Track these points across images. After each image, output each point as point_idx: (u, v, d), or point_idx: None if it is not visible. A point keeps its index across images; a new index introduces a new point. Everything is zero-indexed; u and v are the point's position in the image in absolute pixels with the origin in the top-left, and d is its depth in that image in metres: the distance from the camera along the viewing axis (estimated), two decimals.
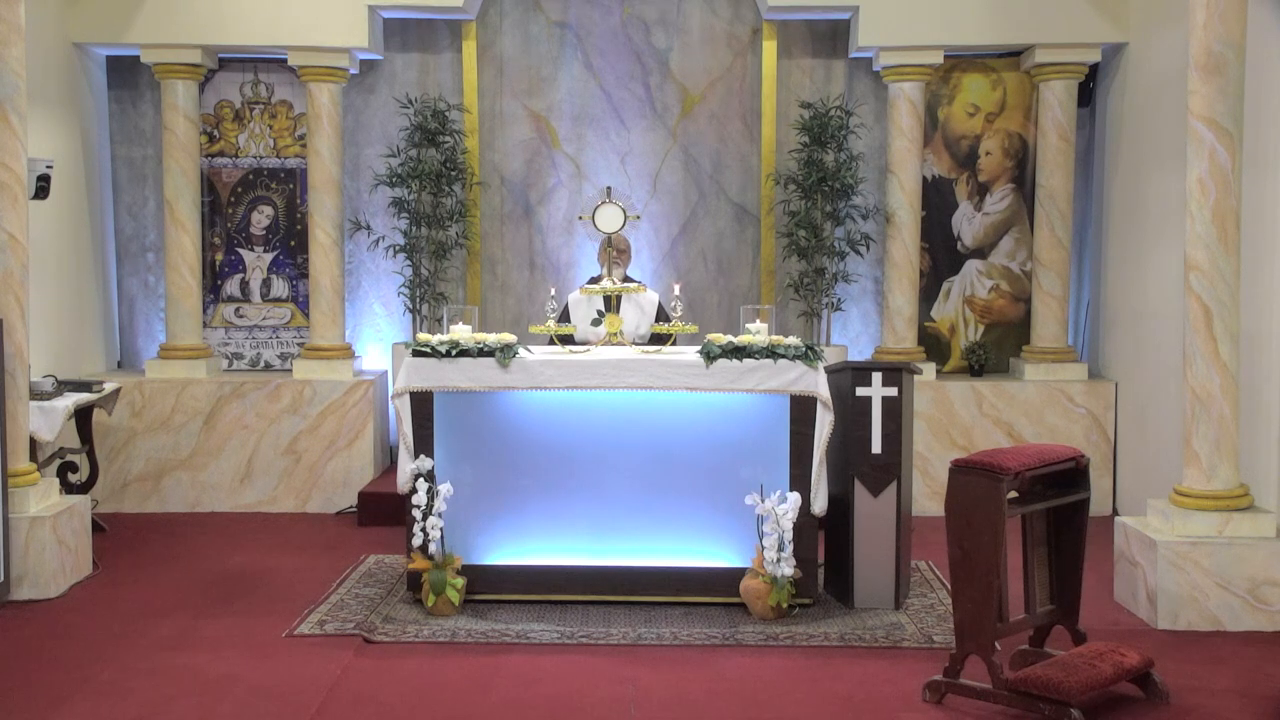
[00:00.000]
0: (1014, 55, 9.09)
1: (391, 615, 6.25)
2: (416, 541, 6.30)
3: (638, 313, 7.39)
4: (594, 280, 7.40)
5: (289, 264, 9.34)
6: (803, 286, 9.00)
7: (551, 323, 6.65)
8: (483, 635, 5.94)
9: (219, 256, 9.30)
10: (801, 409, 6.30)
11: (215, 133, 9.28)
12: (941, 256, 9.27)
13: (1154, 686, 5.17)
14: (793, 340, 6.36)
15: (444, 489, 6.26)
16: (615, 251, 7.24)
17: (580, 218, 7.89)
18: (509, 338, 6.45)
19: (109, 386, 8.00)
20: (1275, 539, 6.16)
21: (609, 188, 7.43)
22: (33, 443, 7.04)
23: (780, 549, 6.13)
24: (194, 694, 5.20)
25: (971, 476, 5.00)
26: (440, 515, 6.25)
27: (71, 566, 6.79)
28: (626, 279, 7.42)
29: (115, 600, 6.55)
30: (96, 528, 7.57)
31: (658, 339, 7.17)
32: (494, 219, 9.52)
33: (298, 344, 9.33)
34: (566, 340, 6.78)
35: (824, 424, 6.25)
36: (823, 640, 5.89)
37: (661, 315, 7.54)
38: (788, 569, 6.13)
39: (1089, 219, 9.25)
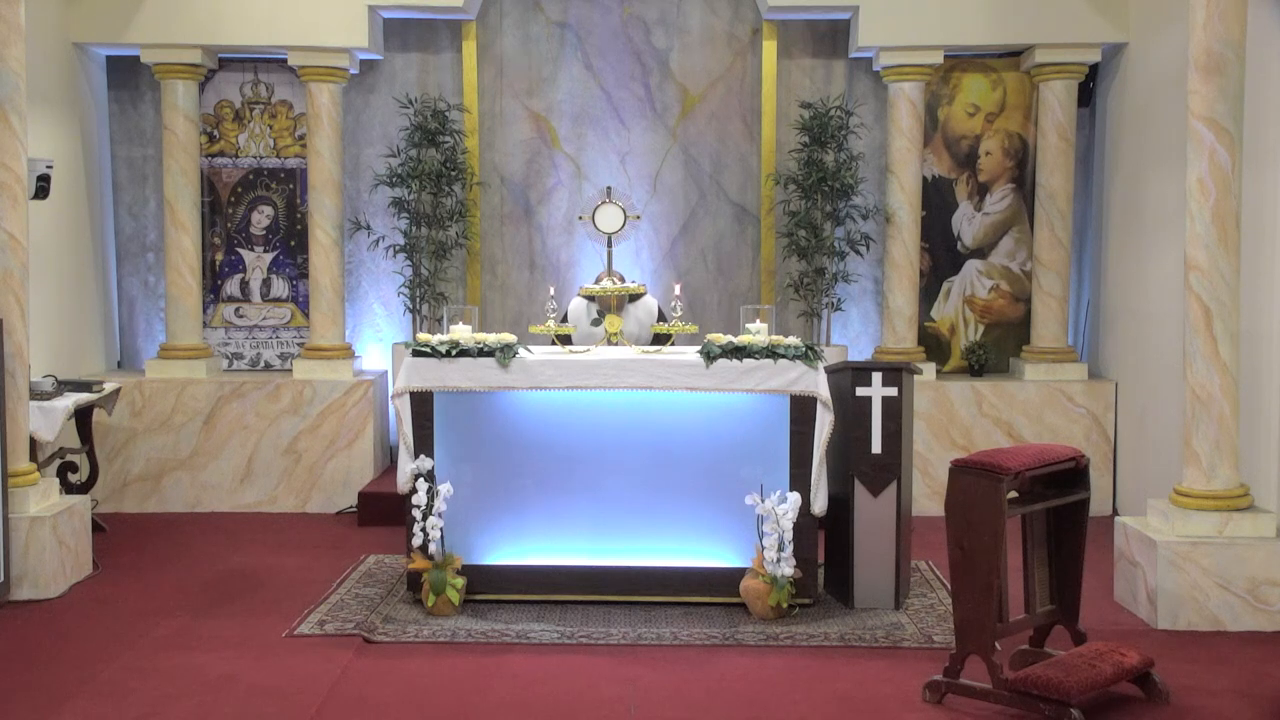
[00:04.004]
0: (1014, 55, 9.09)
1: (391, 615, 6.25)
2: (416, 541, 6.30)
3: (636, 326, 7.38)
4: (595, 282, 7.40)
5: (289, 264, 9.34)
6: (803, 286, 9.00)
7: (551, 323, 6.65)
8: (483, 635, 5.94)
9: (219, 256, 9.30)
10: (801, 409, 6.30)
11: (215, 133, 9.28)
12: (941, 256, 9.27)
13: (1154, 686, 5.17)
14: (793, 340, 6.36)
15: (444, 489, 6.26)
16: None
17: (580, 218, 7.89)
18: (509, 338, 6.45)
19: (109, 386, 8.00)
20: (1275, 539, 6.16)
21: (609, 188, 7.44)
22: (33, 443, 7.04)
23: (780, 549, 6.13)
24: (194, 694, 5.20)
25: (971, 476, 5.00)
26: (440, 515, 6.25)
27: (71, 566, 6.78)
28: (632, 298, 7.38)
29: (115, 600, 6.55)
30: (96, 528, 7.57)
31: (657, 339, 7.17)
32: (494, 219, 9.52)
33: (298, 344, 9.33)
34: (567, 340, 6.78)
35: (824, 424, 6.25)
36: (823, 640, 5.89)
37: (660, 319, 7.54)
38: (788, 569, 6.13)
39: (1089, 219, 9.25)
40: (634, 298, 7.39)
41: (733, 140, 9.45)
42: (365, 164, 9.40)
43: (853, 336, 9.47)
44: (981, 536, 4.95)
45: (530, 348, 6.51)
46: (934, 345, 9.24)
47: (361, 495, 8.50)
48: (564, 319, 7.46)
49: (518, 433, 6.48)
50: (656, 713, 5.04)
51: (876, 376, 6.38)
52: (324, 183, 8.90)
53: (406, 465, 6.34)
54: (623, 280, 7.40)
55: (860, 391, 6.37)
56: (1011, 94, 9.15)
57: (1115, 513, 8.51)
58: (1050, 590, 5.44)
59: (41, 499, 6.71)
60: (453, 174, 9.03)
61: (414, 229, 9.04)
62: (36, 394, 7.17)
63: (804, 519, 6.25)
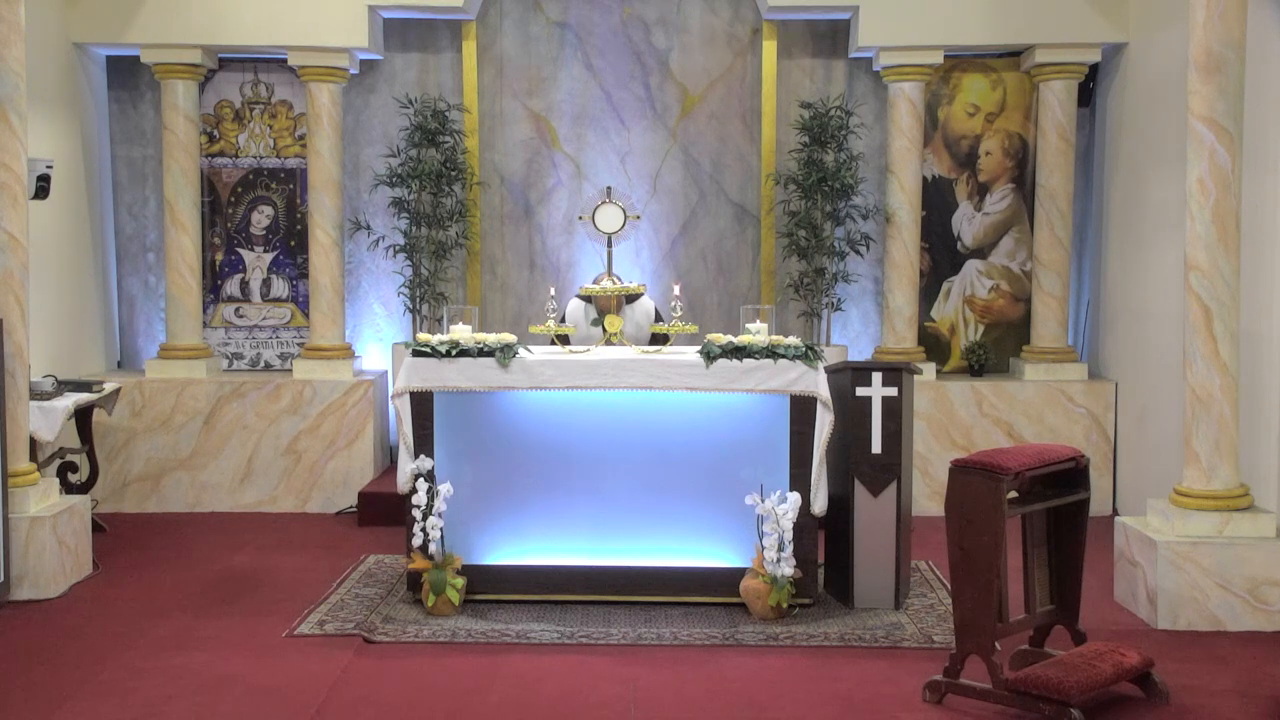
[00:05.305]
0: (1014, 55, 9.09)
1: (391, 615, 6.25)
2: (416, 541, 6.30)
3: (634, 328, 7.38)
4: (595, 281, 7.39)
5: (289, 264, 9.34)
6: (803, 286, 9.00)
7: (551, 323, 6.65)
8: (483, 635, 5.94)
9: (219, 256, 9.31)
10: (801, 409, 6.30)
11: (215, 133, 9.28)
12: (941, 256, 9.27)
13: (1154, 686, 5.17)
14: (793, 340, 6.36)
15: (444, 489, 6.26)
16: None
17: (580, 218, 7.89)
18: (509, 338, 6.45)
19: (109, 386, 8.00)
20: (1275, 539, 6.16)
21: (609, 188, 7.44)
22: (33, 443, 7.04)
23: (780, 549, 6.13)
24: (194, 694, 5.20)
25: (971, 476, 5.00)
26: (440, 515, 6.25)
27: (71, 566, 6.78)
28: (630, 298, 7.38)
29: (115, 600, 6.55)
30: (96, 528, 7.57)
31: (656, 339, 7.17)
32: (494, 219, 9.52)
33: (298, 344, 9.33)
34: (566, 340, 6.78)
35: (824, 424, 6.25)
36: (823, 640, 5.89)
37: (657, 320, 7.53)
38: (788, 569, 6.13)
39: (1089, 219, 9.25)
40: (631, 299, 7.39)
41: (733, 140, 9.45)
42: (365, 164, 9.40)
43: (853, 336, 9.47)
44: (981, 536, 4.95)
45: (530, 348, 6.52)
46: (934, 345, 9.24)
47: (361, 495, 8.50)
48: (562, 320, 7.46)
49: (518, 433, 6.48)
50: (656, 713, 5.04)
51: (876, 376, 6.38)
52: (324, 183, 8.90)
53: (406, 465, 6.34)
54: (620, 281, 7.42)
55: (860, 391, 6.37)
56: (1011, 94, 9.15)
57: (1115, 513, 8.51)
58: (1050, 590, 5.44)
59: (41, 499, 6.71)
60: (453, 174, 9.03)
61: (414, 229, 9.04)
62: (36, 394, 7.17)
63: (804, 519, 6.25)
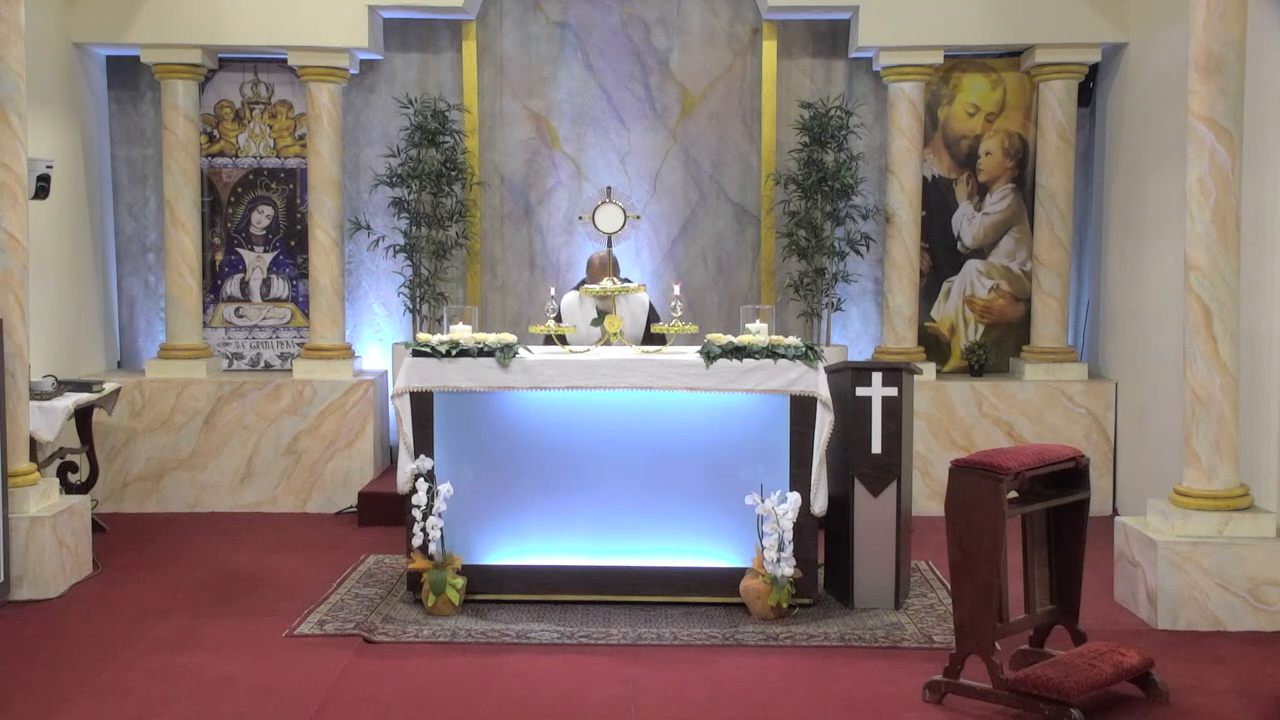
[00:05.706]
0: (1014, 55, 9.09)
1: (391, 615, 6.25)
2: (416, 541, 6.30)
3: (630, 320, 7.38)
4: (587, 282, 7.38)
5: (289, 264, 9.34)
6: (803, 286, 9.00)
7: (551, 322, 6.65)
8: (483, 635, 5.94)
9: (219, 256, 9.31)
10: (801, 409, 6.30)
11: (215, 133, 9.28)
12: (941, 256, 9.27)
13: (1154, 686, 5.17)
14: (793, 340, 6.36)
15: (444, 489, 6.26)
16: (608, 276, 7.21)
17: (580, 218, 7.89)
18: (509, 338, 6.45)
19: (109, 386, 8.00)
20: (1275, 539, 6.16)
21: (609, 188, 7.44)
22: (33, 443, 7.04)
23: (780, 549, 6.13)
24: (194, 694, 5.20)
25: (971, 476, 5.00)
26: (440, 515, 6.25)
27: (71, 566, 6.78)
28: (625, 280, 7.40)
29: (115, 600, 6.55)
30: (96, 528, 7.57)
31: (654, 339, 7.17)
32: (494, 219, 9.52)
33: (298, 344, 9.33)
34: (564, 340, 6.77)
35: (824, 424, 6.25)
36: (823, 640, 5.89)
37: (653, 317, 7.53)
38: (788, 569, 6.13)
39: (1089, 219, 9.25)
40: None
41: (733, 140, 9.45)
42: (365, 164, 9.40)
43: (853, 336, 9.47)
44: (981, 536, 4.95)
45: (530, 348, 6.52)
46: (934, 345, 9.24)
47: (361, 495, 8.50)
48: (558, 316, 7.44)
49: (518, 433, 6.48)
50: (656, 713, 5.04)
51: (876, 376, 6.38)
52: (324, 183, 8.90)
53: (406, 465, 6.34)
54: (617, 267, 7.41)
55: (860, 391, 6.37)
56: (1011, 94, 9.15)
57: (1115, 513, 8.51)
58: (1050, 590, 5.44)
59: (41, 499, 6.71)
60: (453, 174, 9.03)
61: (414, 229, 9.05)
62: (36, 394, 7.17)
63: (804, 519, 6.25)
